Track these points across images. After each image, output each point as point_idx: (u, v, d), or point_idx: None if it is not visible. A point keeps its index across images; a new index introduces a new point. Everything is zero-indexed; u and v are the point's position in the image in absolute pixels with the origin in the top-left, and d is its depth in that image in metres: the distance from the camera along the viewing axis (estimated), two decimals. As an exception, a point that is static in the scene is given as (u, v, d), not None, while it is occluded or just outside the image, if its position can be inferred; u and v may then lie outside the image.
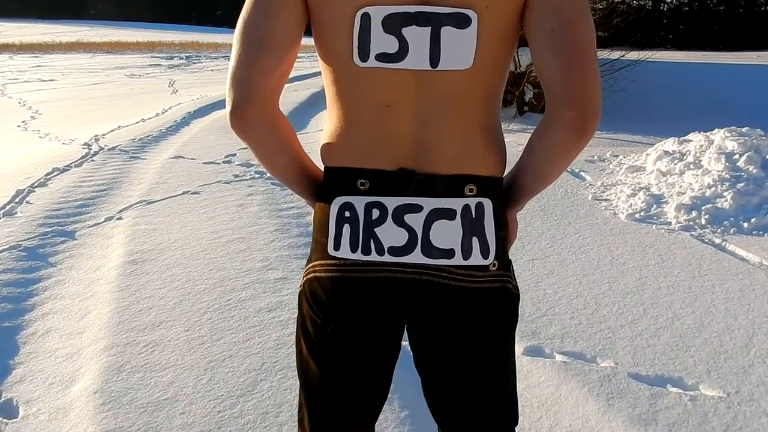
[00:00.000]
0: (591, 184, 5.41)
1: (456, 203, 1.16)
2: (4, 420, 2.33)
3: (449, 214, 1.16)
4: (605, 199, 4.97)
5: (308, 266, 1.26)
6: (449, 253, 1.16)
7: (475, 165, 1.18)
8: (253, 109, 1.14)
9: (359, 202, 1.17)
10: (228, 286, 3.32)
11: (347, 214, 1.18)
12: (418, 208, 1.16)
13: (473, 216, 1.17)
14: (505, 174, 1.29)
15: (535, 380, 2.64)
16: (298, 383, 2.54)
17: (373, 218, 1.16)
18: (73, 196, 4.98)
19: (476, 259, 1.17)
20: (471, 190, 1.17)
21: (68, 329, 2.99)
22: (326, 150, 1.23)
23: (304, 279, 1.26)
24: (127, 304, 3.13)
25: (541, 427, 2.40)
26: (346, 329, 1.23)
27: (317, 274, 1.22)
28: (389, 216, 1.16)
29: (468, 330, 1.21)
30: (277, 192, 5.13)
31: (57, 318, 3.12)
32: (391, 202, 1.16)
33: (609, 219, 4.52)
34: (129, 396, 2.41)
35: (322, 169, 1.26)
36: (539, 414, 2.47)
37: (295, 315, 3.08)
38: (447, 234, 1.16)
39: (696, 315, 3.15)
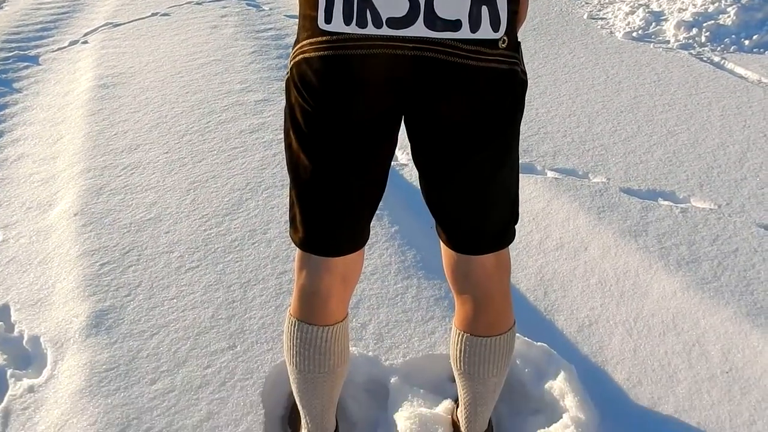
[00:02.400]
0: (587, 2, 5.12)
1: None
2: (-16, 243, 2.27)
3: None
4: (602, 18, 4.72)
5: (296, 48, 1.12)
6: (455, 25, 1.02)
7: None
8: None
9: None
10: (206, 109, 3.17)
11: None
12: None
13: None
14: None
15: (526, 196, 2.60)
16: (285, 201, 2.48)
17: None
18: (32, 19, 4.64)
19: (485, 32, 1.03)
20: None
21: (41, 154, 2.87)
22: None
23: (292, 63, 1.13)
24: (100, 128, 2.98)
25: (531, 241, 2.39)
26: (340, 115, 1.11)
27: (306, 55, 1.08)
28: None
29: (472, 114, 1.10)
30: (253, 13, 4.81)
31: (28, 144, 2.98)
32: None
33: (605, 38, 4.32)
34: (111, 217, 2.34)
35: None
36: (530, 228, 2.45)
37: (279, 136, 2.98)
38: (453, 2, 1.01)
39: (691, 132, 3.08)
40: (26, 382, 1.73)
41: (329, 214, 1.22)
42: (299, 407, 1.48)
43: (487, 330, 1.36)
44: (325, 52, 1.05)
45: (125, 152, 2.77)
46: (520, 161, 2.91)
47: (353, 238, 1.28)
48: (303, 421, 1.50)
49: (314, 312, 1.32)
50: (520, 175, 2.71)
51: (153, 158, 2.72)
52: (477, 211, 1.22)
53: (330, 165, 1.16)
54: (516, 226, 1.35)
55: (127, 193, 2.47)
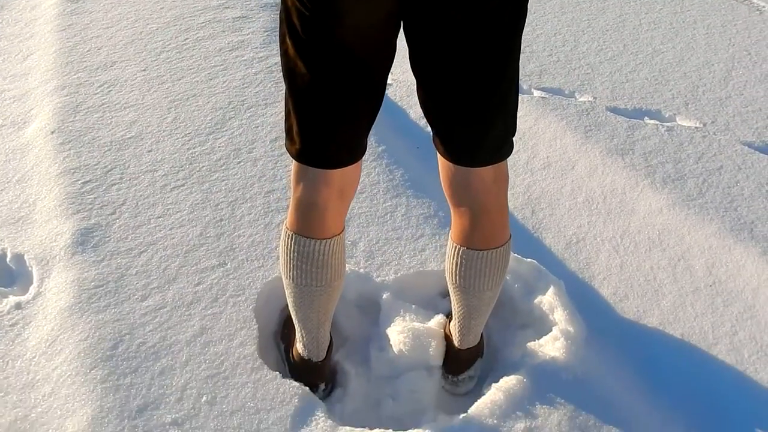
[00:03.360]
0: None
1: None
2: (-42, 162, 2.20)
3: None
4: (586, -66, 4.59)
5: None
6: None
7: None
8: None
9: None
10: (183, 26, 3.05)
11: None
12: None
13: None
14: None
15: (513, 115, 2.57)
16: (270, 120, 2.43)
17: None
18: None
19: None
20: None
21: (11, 71, 2.75)
22: None
23: None
24: (72, 44, 2.86)
25: (518, 160, 2.38)
26: (338, 19, 1.06)
27: None
28: None
29: (474, 19, 1.06)
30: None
31: (-3, 60, 2.86)
32: None
33: (589, -46, 4.21)
34: (90, 135, 2.27)
35: None
36: (516, 148, 2.40)
37: (260, 54, 2.89)
38: None
39: (676, 50, 3.06)
40: (13, 299, 1.71)
41: (327, 125, 1.18)
42: (294, 321, 1.48)
43: (483, 243, 1.36)
44: None
45: (100, 69, 2.67)
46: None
47: (351, 150, 1.26)
48: (298, 335, 1.51)
49: (311, 225, 1.30)
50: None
51: (130, 76, 2.63)
52: (476, 121, 1.20)
53: (328, 72, 1.12)
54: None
55: (105, 111, 2.40)
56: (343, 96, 1.15)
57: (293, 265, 1.33)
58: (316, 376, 1.54)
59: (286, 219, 1.36)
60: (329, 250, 1.32)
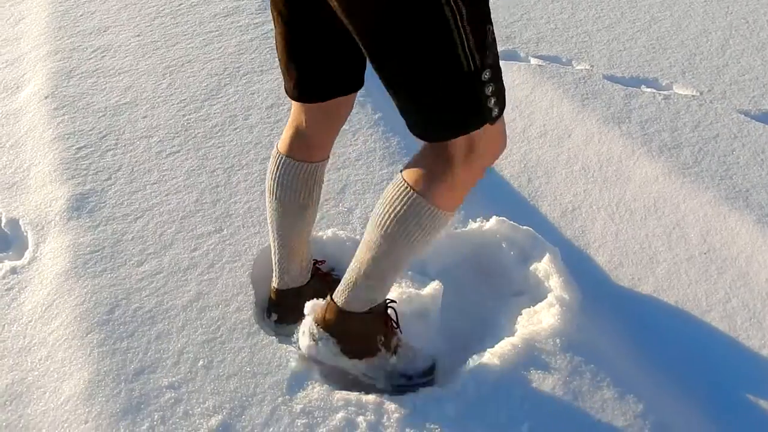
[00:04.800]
0: None
1: None
2: (-49, 127, 2.18)
3: None
4: None
5: None
6: None
7: None
8: None
9: None
10: (176, -10, 3.00)
11: None
12: None
13: None
14: None
15: (509, 83, 2.54)
16: (266, 87, 2.40)
17: None
18: None
19: None
20: None
21: (3, 35, 2.72)
22: None
23: None
24: (65, 8, 2.82)
25: (515, 128, 2.37)
26: None
27: None
28: None
29: None
30: None
31: (-12, 25, 2.82)
32: None
33: None
34: (84, 101, 2.25)
35: None
36: (513, 116, 2.43)
37: (255, 21, 2.86)
38: None
39: (674, 18, 3.03)
40: (8, 264, 1.71)
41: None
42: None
43: (406, 174, 1.25)
44: None
45: (94, 34, 2.64)
46: (501, 48, 2.84)
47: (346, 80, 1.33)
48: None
49: (294, 148, 1.42)
50: (503, 61, 2.67)
51: (124, 41, 2.59)
52: (394, 98, 1.16)
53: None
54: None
55: (99, 77, 2.37)
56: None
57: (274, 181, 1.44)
58: (271, 300, 1.60)
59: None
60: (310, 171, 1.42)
